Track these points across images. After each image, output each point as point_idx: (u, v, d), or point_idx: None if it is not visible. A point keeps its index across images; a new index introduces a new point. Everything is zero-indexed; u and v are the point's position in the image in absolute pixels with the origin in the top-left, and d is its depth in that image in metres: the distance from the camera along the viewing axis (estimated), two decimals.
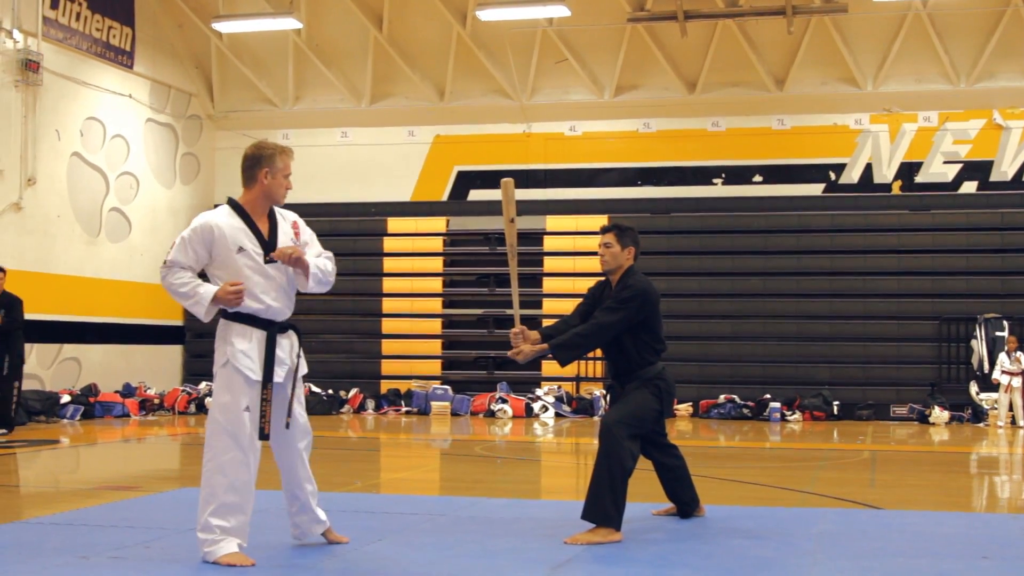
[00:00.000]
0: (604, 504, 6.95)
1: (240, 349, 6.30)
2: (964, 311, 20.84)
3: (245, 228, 6.47)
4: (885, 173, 21.99)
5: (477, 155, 23.55)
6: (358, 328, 23.16)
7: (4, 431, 15.27)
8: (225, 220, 6.49)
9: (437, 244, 23.25)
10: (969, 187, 21.65)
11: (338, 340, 23.05)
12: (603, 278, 7.80)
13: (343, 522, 6.99)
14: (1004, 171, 21.49)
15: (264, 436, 6.33)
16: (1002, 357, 19.52)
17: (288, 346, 6.50)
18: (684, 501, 7.91)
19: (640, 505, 7.98)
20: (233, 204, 6.60)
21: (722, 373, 21.53)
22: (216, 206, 23.01)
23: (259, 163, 6.59)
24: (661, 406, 7.47)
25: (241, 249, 6.40)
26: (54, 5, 19.54)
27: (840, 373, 21.19)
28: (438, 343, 23.07)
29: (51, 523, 7.73)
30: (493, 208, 22.48)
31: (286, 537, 6.90)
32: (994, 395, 19.72)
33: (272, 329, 6.38)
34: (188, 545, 6.66)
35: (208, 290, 6.34)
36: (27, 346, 16.15)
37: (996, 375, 19.56)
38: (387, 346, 23.07)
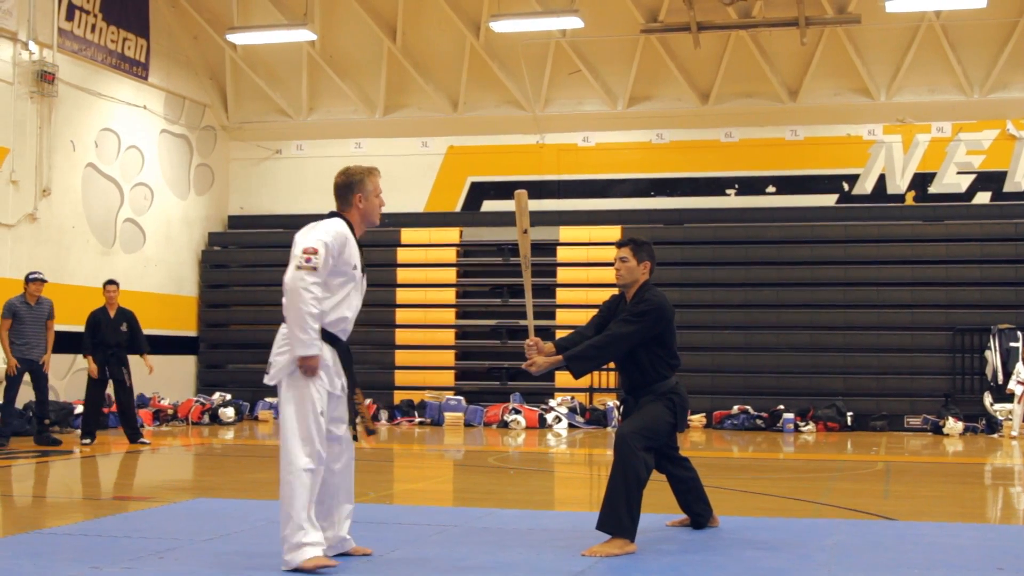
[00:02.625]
0: (619, 515, 6.97)
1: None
2: (978, 322, 20.78)
3: (356, 247, 6.66)
4: (898, 184, 21.95)
5: (490, 166, 23.57)
6: (371, 339, 23.16)
7: (145, 441, 16.22)
8: (349, 233, 6.61)
9: (450, 255, 23.26)
10: (983, 197, 21.60)
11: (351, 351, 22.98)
12: (618, 291, 7.82)
13: (356, 533, 7.00)
14: (1017, 181, 21.44)
15: (371, 432, 6.59)
16: (1018, 367, 19.44)
17: (343, 363, 6.70)
18: (697, 512, 7.92)
19: (654, 516, 7.99)
20: (346, 220, 6.67)
21: (735, 384, 21.49)
22: (230, 217, 22.92)
23: (351, 189, 6.70)
24: (675, 419, 7.49)
25: (355, 267, 6.59)
26: (69, 17, 19.64)
27: (854, 384, 21.14)
28: (451, 354, 23.06)
29: (64, 533, 7.76)
30: (506, 219, 22.50)
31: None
32: (1008, 406, 19.64)
33: (340, 344, 6.62)
34: (201, 556, 6.68)
35: (321, 345, 6.42)
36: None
37: (1011, 385, 19.49)
38: (400, 357, 23.08)
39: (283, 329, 6.47)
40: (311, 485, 6.36)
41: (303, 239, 6.43)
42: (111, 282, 16.54)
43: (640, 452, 7.09)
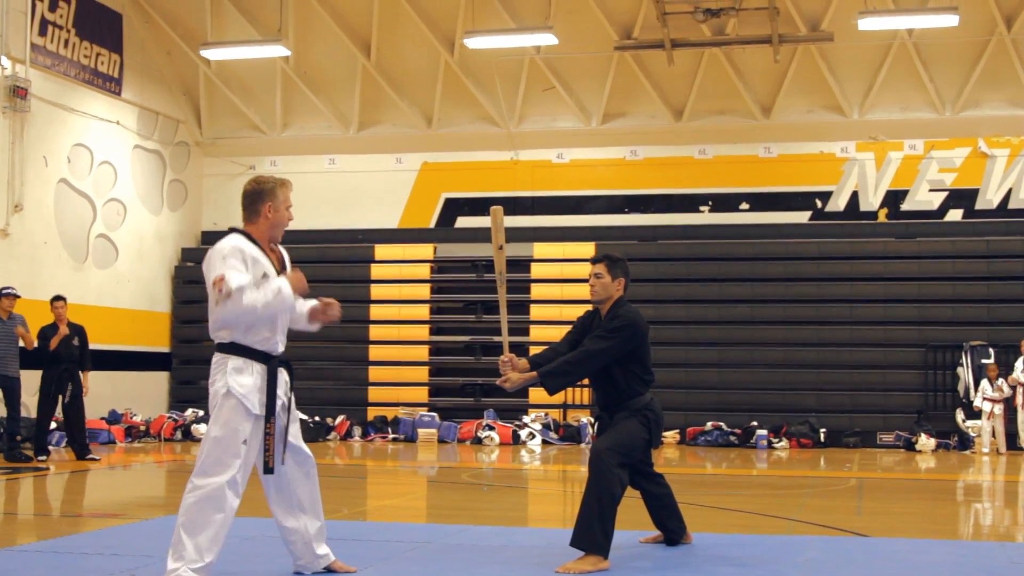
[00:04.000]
0: (593, 532, 6.96)
1: (241, 382, 6.22)
2: (950, 338, 20.87)
3: (263, 257, 6.40)
4: (871, 201, 22.06)
5: (464, 182, 23.57)
6: (345, 355, 23.12)
7: (94, 457, 16.07)
8: (247, 245, 6.36)
9: (424, 271, 23.24)
10: (955, 215, 21.73)
11: (325, 367, 22.99)
12: (592, 307, 7.82)
13: (330, 549, 6.97)
14: (989, 199, 21.58)
15: (268, 470, 6.31)
16: (984, 384, 19.58)
17: (283, 381, 6.46)
18: (671, 529, 7.92)
19: (627, 533, 7.98)
20: (245, 234, 6.44)
21: (709, 400, 21.52)
22: (204, 233, 22.72)
23: (261, 197, 6.48)
24: (650, 436, 7.49)
25: (265, 276, 6.34)
26: (42, 32, 19.57)
27: (827, 400, 21.20)
28: (425, 370, 23.04)
29: (35, 551, 7.71)
30: (480, 235, 22.50)
31: (275, 566, 6.88)
32: (980, 422, 19.74)
33: (272, 362, 6.34)
34: None
35: (285, 285, 6.28)
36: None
37: (978, 402, 19.61)
38: (374, 373, 23.04)
39: (215, 357, 6.32)
40: (221, 515, 6.12)
41: (207, 273, 6.27)
42: (58, 298, 16.30)
43: (614, 468, 7.09)
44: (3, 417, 16.70)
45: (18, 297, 15.83)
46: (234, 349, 6.29)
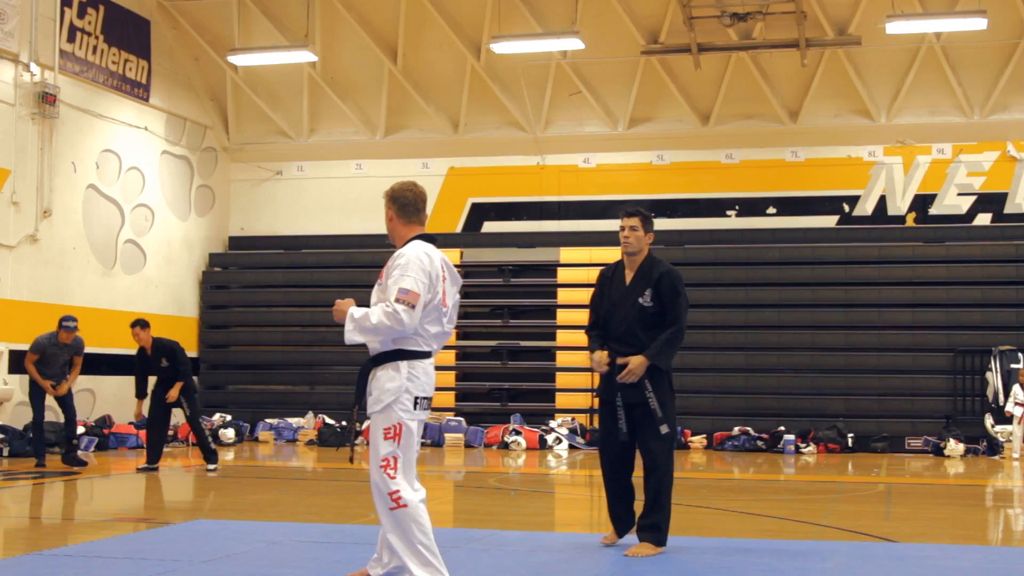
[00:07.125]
0: (664, 528, 7.75)
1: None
2: (979, 343, 20.76)
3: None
4: (899, 205, 21.96)
5: (491, 187, 23.56)
6: None
7: (213, 466, 15.67)
8: None
9: None
10: (983, 219, 21.61)
11: (352, 371, 22.95)
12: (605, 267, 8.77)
13: (358, 554, 6.98)
14: (1018, 203, 21.45)
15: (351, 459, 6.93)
16: (1016, 389, 19.43)
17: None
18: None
19: (681, 539, 7.96)
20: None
21: (736, 405, 21.46)
22: (231, 238, 22.68)
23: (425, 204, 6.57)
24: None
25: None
26: (71, 38, 19.68)
27: (855, 405, 21.11)
28: (452, 374, 23.02)
29: (64, 555, 7.74)
30: (507, 240, 22.53)
31: (303, 571, 6.88)
32: (1009, 427, 19.62)
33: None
34: None
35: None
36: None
37: (1009, 407, 19.48)
38: None
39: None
40: None
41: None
42: (135, 324, 15.73)
43: (671, 462, 7.88)
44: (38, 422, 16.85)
45: (75, 330, 15.75)
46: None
